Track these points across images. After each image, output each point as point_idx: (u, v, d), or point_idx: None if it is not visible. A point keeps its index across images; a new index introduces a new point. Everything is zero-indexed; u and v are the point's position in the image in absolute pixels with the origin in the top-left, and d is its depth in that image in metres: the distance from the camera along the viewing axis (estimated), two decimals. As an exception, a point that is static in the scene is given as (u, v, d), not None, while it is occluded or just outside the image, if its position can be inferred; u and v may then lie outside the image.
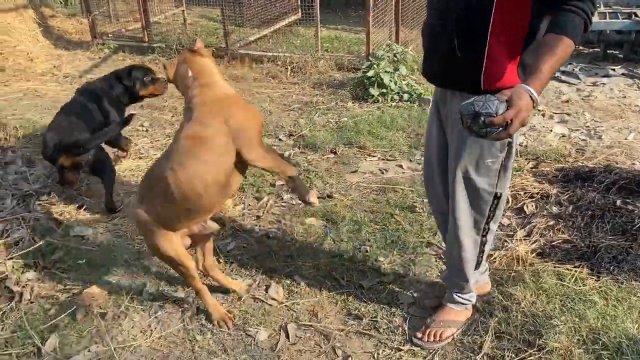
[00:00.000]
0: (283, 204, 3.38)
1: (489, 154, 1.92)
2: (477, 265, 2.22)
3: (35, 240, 2.93)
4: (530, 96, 1.56)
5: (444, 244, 2.88)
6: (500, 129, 1.54)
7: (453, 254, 2.21)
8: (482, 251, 2.18)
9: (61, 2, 10.16)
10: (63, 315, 2.43)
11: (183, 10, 8.32)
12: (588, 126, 4.36)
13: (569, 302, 2.37)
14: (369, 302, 2.50)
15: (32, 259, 2.81)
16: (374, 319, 2.40)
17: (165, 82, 3.63)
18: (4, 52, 6.47)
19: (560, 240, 2.83)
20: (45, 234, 3.00)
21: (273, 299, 2.56)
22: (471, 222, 2.09)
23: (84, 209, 3.31)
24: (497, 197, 2.02)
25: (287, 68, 6.11)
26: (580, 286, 2.47)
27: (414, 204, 3.26)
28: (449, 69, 1.89)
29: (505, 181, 2.02)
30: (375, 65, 5.19)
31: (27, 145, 3.97)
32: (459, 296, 2.30)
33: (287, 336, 2.34)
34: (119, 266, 2.80)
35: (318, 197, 3.29)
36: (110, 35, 7.36)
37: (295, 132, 4.45)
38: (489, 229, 2.12)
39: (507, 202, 3.22)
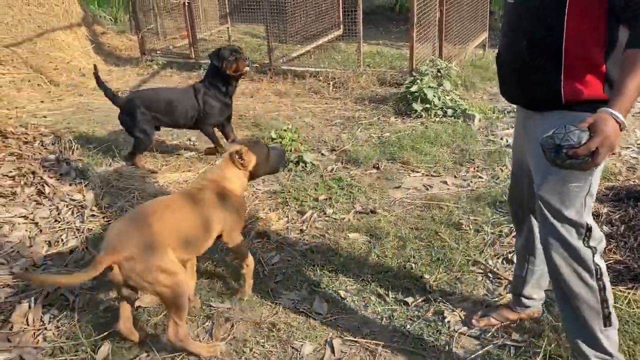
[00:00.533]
0: (326, 218, 3.41)
1: (574, 177, 1.77)
2: (606, 319, 1.89)
3: (89, 249, 3.04)
4: (616, 120, 1.48)
5: (490, 262, 2.85)
6: (587, 158, 1.48)
7: (567, 312, 1.95)
8: (604, 300, 1.87)
9: (111, 20, 10.56)
10: (116, 323, 2.50)
11: (228, 27, 8.53)
12: (639, 144, 4.25)
13: (622, 325, 2.30)
14: (415, 320, 2.49)
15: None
16: (420, 337, 2.39)
17: (247, 60, 4.26)
18: (59, 68, 6.75)
19: (612, 261, 2.76)
20: (99, 244, 3.09)
21: (318, 313, 2.58)
22: (575, 263, 1.85)
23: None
24: (588, 229, 1.82)
25: (329, 83, 6.17)
26: (634, 309, 2.40)
27: (460, 221, 3.23)
28: (528, 87, 1.84)
29: (590, 210, 1.83)
30: (418, 81, 5.19)
31: (81, 157, 4.12)
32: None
33: (333, 351, 2.35)
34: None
35: (361, 212, 3.35)
36: (158, 52, 7.59)
37: (337, 147, 4.49)
38: (599, 268, 1.85)
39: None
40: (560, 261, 1.85)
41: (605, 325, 1.88)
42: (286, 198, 3.61)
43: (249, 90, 6.19)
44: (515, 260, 2.42)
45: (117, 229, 2.22)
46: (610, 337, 1.91)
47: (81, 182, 3.76)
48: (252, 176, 2.67)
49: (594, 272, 1.84)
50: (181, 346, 2.27)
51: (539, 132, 1.67)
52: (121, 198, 3.61)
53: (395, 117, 5.13)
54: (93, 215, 3.39)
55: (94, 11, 9.62)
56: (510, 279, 2.73)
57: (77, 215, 3.38)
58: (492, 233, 3.12)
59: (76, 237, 3.15)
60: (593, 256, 1.84)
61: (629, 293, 2.50)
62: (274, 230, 3.28)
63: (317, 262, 2.94)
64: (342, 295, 2.68)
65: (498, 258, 2.92)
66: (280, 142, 4.35)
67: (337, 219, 3.36)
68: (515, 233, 2.39)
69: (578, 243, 1.82)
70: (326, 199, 3.59)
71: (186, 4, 7.02)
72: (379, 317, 2.54)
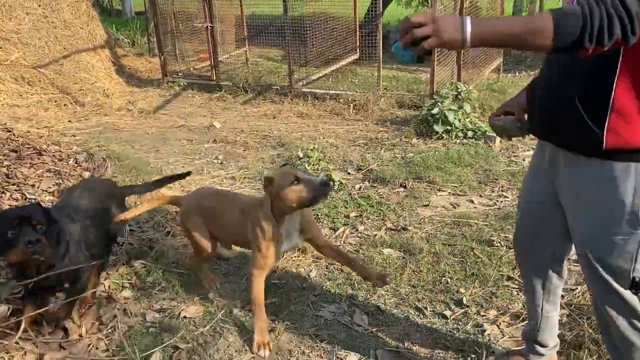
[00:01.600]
0: (359, 234, 3.49)
1: (618, 229, 1.63)
2: None
3: (130, 262, 3.12)
4: (462, 23, 1.37)
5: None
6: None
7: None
8: None
9: (128, 43, 10.80)
10: (164, 333, 2.57)
11: (246, 51, 8.73)
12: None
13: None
14: (455, 332, 2.56)
15: (127, 280, 2.99)
16: (462, 349, 2.45)
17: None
18: (84, 89, 6.92)
19: (644, 277, 2.82)
20: (139, 257, 3.18)
21: (359, 325, 2.65)
22: (628, 319, 1.73)
23: (171, 235, 3.50)
24: (635, 283, 1.67)
25: (349, 105, 6.31)
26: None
27: (491, 237, 3.31)
28: (565, 125, 1.67)
29: None
30: (439, 103, 5.32)
31: (115, 174, 4.23)
32: None
33: (377, 361, 2.41)
34: (209, 288, 2.94)
35: (392, 229, 3.42)
36: (179, 74, 7.76)
37: (363, 166, 4.59)
38: None
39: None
40: (613, 313, 1.76)
41: None
42: (318, 215, 3.70)
43: (271, 111, 6.32)
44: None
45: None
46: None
47: (117, 198, 3.85)
48: (277, 205, 2.42)
49: None
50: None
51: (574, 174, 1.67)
52: (157, 213, 3.70)
53: (417, 139, 5.24)
54: (132, 230, 3.48)
55: (113, 34, 9.85)
56: (545, 293, 2.80)
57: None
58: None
59: (116, 250, 3.24)
60: None
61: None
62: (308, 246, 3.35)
63: (354, 276, 3.01)
64: (381, 309, 2.75)
65: (531, 274, 2.99)
66: (308, 161, 4.46)
67: (369, 235, 3.44)
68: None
69: (627, 293, 1.71)
70: (357, 216, 3.68)
71: (209, 27, 7.21)
72: (418, 329, 2.61)
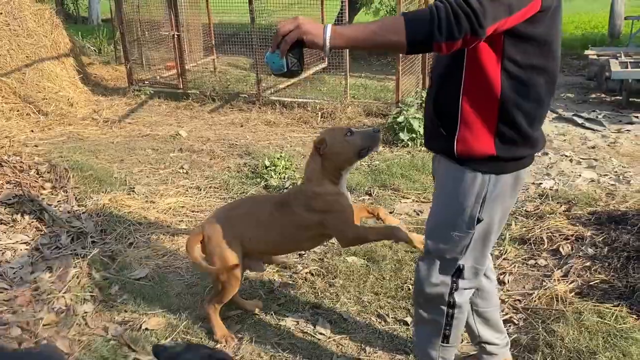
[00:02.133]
0: (324, 243, 3.51)
1: (458, 227, 1.85)
2: (445, 338, 2.04)
3: (92, 275, 3.09)
4: (324, 30, 1.55)
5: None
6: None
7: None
8: (449, 324, 2.01)
9: (95, 51, 10.64)
10: (123, 347, 2.55)
11: (214, 59, 8.70)
12: (616, 171, 4.47)
13: (612, 339, 2.44)
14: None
15: (89, 293, 2.96)
16: (421, 354, 2.49)
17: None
18: (47, 98, 6.79)
19: (597, 281, 2.92)
20: (101, 269, 3.15)
21: (321, 333, 2.67)
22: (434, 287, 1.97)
23: (134, 247, 3.46)
24: (459, 269, 1.93)
25: (317, 114, 6.34)
26: (621, 324, 2.54)
27: (452, 244, 3.37)
28: (432, 134, 1.89)
29: (475, 254, 1.91)
30: (404, 111, 5.39)
31: (77, 185, 4.17)
32: None
33: (338, 369, 2.43)
34: (172, 300, 2.92)
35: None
36: (145, 82, 7.69)
37: (329, 175, 4.61)
38: (454, 301, 1.97)
39: (543, 243, 3.33)
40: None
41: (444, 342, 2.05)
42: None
43: (239, 120, 6.32)
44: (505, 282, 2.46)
45: None
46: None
47: (79, 210, 3.81)
48: (330, 166, 2.40)
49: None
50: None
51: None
52: (119, 224, 3.67)
53: (383, 146, 5.30)
54: (94, 242, 3.44)
55: (79, 42, 9.70)
56: (504, 298, 2.87)
57: (78, 242, 3.42)
58: (483, 256, 3.26)
59: (78, 262, 3.19)
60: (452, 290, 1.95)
61: (615, 310, 2.65)
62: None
63: (318, 285, 3.04)
64: (344, 317, 2.78)
65: (490, 279, 3.06)
66: (274, 170, 4.47)
67: (334, 244, 3.46)
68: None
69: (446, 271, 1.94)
70: (322, 225, 3.70)
71: (175, 36, 7.17)
72: (380, 336, 2.64)
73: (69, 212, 3.76)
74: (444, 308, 1.98)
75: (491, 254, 2.28)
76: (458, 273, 1.94)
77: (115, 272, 3.15)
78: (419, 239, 2.31)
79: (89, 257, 3.25)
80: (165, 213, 3.88)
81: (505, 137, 1.74)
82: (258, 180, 4.41)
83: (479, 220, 1.83)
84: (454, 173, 1.83)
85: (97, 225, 3.65)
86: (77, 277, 3.08)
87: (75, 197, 4.00)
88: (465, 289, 1.97)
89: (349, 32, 1.60)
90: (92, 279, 3.08)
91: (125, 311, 2.84)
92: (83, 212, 3.78)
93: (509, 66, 1.66)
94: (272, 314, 2.80)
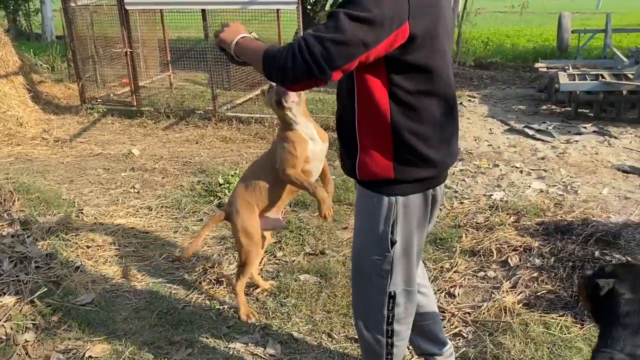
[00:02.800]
0: (277, 261, 3.48)
1: (375, 250, 1.87)
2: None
3: (34, 302, 2.98)
4: (237, 34, 1.76)
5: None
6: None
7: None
8: (389, 353, 2.02)
9: (47, 68, 10.40)
10: (65, 376, 2.46)
11: (169, 75, 8.60)
12: (564, 182, 4.59)
13: (557, 350, 2.48)
14: (366, 355, 2.58)
15: (31, 321, 2.85)
16: (372, 372, 2.47)
17: None
18: (-5, 118, 6.59)
19: (544, 291, 2.97)
20: (44, 295, 3.04)
21: (271, 354, 2.63)
22: (370, 319, 1.99)
23: (80, 271, 3.36)
24: (391, 297, 1.91)
25: (274, 129, 6.31)
26: (565, 334, 2.59)
27: (404, 258, 3.38)
28: (341, 157, 1.95)
29: (402, 276, 1.90)
30: (359, 126, 5.42)
31: (22, 208, 4.04)
32: None
33: (288, 391, 2.40)
34: (118, 325, 2.84)
35: (311, 254, 3.44)
36: (99, 100, 7.54)
37: (284, 191, 4.59)
38: (392, 330, 1.97)
39: (492, 255, 3.37)
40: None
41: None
42: (233, 243, 3.66)
43: (194, 137, 6.24)
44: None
45: None
46: None
47: (23, 234, 3.68)
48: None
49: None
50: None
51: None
52: (66, 248, 3.56)
53: (339, 161, 5.31)
54: (38, 267, 3.33)
55: (30, 59, 9.47)
56: (454, 311, 2.90)
57: (21, 268, 3.30)
58: (434, 269, 3.29)
59: (20, 289, 3.08)
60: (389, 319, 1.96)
61: (561, 320, 2.70)
62: (225, 275, 3.31)
63: (269, 305, 3.00)
64: (295, 337, 2.75)
65: (441, 292, 3.08)
66: (228, 187, 4.42)
67: (287, 262, 3.44)
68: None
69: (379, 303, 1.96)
70: (276, 242, 3.66)
71: (128, 53, 7.07)
72: (331, 356, 2.62)
73: (12, 237, 3.62)
74: (383, 339, 1.98)
75: (428, 270, 2.28)
76: (391, 302, 1.92)
77: (59, 298, 3.04)
78: (327, 207, 2.63)
79: (31, 283, 3.14)
80: (114, 235, 3.79)
81: (403, 160, 1.75)
82: (211, 198, 4.36)
83: (393, 243, 1.84)
84: (365, 197, 1.86)
85: (43, 249, 3.53)
86: (19, 305, 2.96)
87: (20, 221, 3.86)
88: (401, 317, 1.96)
89: (248, 50, 1.74)
90: (35, 306, 2.97)
91: (69, 339, 2.74)
92: (28, 236, 3.65)
93: (397, 92, 1.68)
94: (221, 337, 2.75)
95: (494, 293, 3.02)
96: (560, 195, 4.31)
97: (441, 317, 2.86)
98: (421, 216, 1.87)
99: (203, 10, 6.49)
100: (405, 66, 1.64)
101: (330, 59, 1.52)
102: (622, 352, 1.55)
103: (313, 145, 2.69)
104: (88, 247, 3.63)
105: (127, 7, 6.81)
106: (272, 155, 2.77)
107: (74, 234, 3.73)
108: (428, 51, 1.65)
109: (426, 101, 1.71)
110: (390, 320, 1.95)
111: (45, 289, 3.11)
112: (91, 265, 3.43)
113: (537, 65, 8.27)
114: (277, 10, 6.98)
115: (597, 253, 3.24)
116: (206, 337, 2.74)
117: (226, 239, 3.74)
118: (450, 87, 1.78)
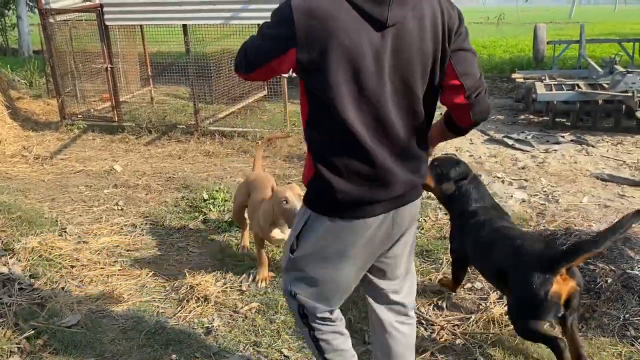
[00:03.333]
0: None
1: (287, 247, 1.98)
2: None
3: (19, 324, 2.92)
4: None
5: (422, 309, 3.02)
6: None
7: None
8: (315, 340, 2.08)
9: (26, 84, 10.27)
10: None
11: (150, 90, 8.56)
12: (545, 191, 4.66)
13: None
14: (357, 371, 2.58)
15: (16, 345, 2.79)
16: (364, 387, 2.48)
17: None
18: (-28, 136, 6.49)
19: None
20: (29, 318, 2.99)
21: (262, 372, 2.62)
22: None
23: (65, 291, 3.31)
24: (292, 295, 1.96)
25: (257, 143, 6.31)
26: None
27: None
28: None
29: (300, 285, 1.94)
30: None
31: (3, 228, 3.97)
32: None
33: (280, 409, 2.39)
34: (105, 346, 2.80)
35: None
36: (79, 116, 7.46)
37: (270, 205, 4.58)
38: (317, 338, 2.05)
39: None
40: None
41: None
42: (222, 258, 3.65)
43: (177, 152, 6.22)
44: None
45: None
46: None
47: (5, 255, 3.62)
48: None
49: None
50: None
51: None
52: (50, 268, 3.51)
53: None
54: (22, 289, 3.27)
55: (7, 75, 9.35)
56: (443, 324, 2.91)
57: (4, 290, 3.24)
58: (422, 281, 3.31)
59: (4, 312, 3.02)
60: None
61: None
62: (212, 292, 3.29)
63: (259, 322, 2.99)
64: (285, 354, 2.74)
65: (429, 305, 3.10)
66: (213, 203, 4.41)
67: (275, 277, 3.43)
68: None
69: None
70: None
71: (108, 68, 7.02)
72: (322, 371, 2.61)
73: (-6, 258, 3.56)
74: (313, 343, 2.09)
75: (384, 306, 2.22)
76: (302, 310, 1.98)
77: (44, 320, 2.99)
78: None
79: (15, 305, 3.08)
80: (98, 254, 3.75)
81: (317, 178, 1.76)
82: (196, 214, 4.33)
83: (293, 248, 1.91)
84: None
85: (26, 270, 3.47)
86: (3, 328, 2.91)
87: (2, 241, 3.80)
88: (318, 329, 2.03)
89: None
90: (19, 329, 2.91)
91: (56, 362, 2.70)
92: (10, 257, 3.59)
93: (310, 111, 1.77)
94: (211, 355, 2.73)
95: (481, 304, 3.05)
96: (542, 204, 4.38)
97: (431, 330, 2.88)
98: (331, 241, 1.83)
99: (184, 25, 6.48)
100: (308, 90, 1.73)
101: (246, 59, 1.77)
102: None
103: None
104: (72, 266, 3.58)
105: (108, 23, 6.77)
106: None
107: (57, 253, 3.68)
108: (317, 82, 1.67)
109: (327, 128, 1.72)
110: (310, 331, 2.04)
111: (30, 312, 3.06)
112: (76, 286, 3.39)
113: (514, 75, 8.42)
114: (258, 25, 6.99)
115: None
116: (196, 357, 2.72)
117: (213, 254, 3.72)
118: (347, 123, 1.68)
